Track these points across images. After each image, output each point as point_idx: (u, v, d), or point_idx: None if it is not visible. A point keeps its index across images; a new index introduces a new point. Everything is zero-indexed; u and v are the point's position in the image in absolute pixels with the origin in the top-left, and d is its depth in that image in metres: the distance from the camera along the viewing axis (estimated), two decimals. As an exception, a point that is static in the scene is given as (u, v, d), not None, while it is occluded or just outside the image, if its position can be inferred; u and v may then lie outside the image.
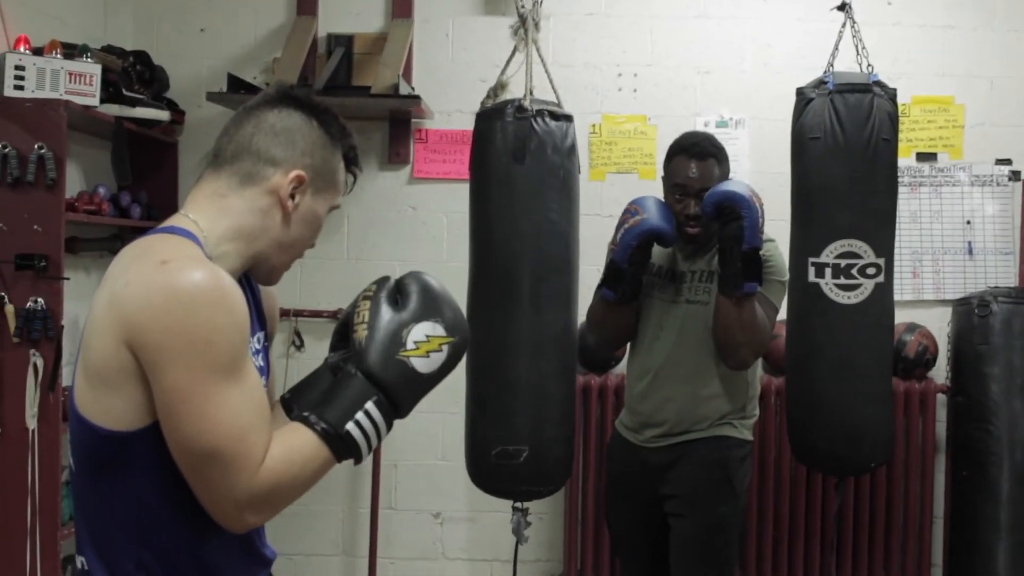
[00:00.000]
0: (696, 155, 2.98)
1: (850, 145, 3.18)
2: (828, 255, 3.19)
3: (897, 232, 3.37)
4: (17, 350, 3.30)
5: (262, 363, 1.70)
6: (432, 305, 1.63)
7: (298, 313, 4.38)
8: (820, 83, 3.27)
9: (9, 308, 3.28)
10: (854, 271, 3.18)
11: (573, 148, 3.17)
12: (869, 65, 3.33)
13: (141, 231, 4.14)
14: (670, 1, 4.40)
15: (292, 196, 1.63)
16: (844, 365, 3.21)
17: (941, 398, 4.34)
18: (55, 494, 3.37)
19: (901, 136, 3.44)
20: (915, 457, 4.29)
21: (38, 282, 3.31)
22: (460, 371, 1.95)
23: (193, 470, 1.47)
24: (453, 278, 2.86)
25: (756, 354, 3.00)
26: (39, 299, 3.31)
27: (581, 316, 3.26)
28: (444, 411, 4.02)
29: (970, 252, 4.40)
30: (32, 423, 3.31)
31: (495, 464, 3.10)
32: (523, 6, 3.34)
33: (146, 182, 4.13)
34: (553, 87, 3.30)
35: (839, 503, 3.86)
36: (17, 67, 3.32)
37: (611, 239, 3.02)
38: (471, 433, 3.22)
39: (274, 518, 1.56)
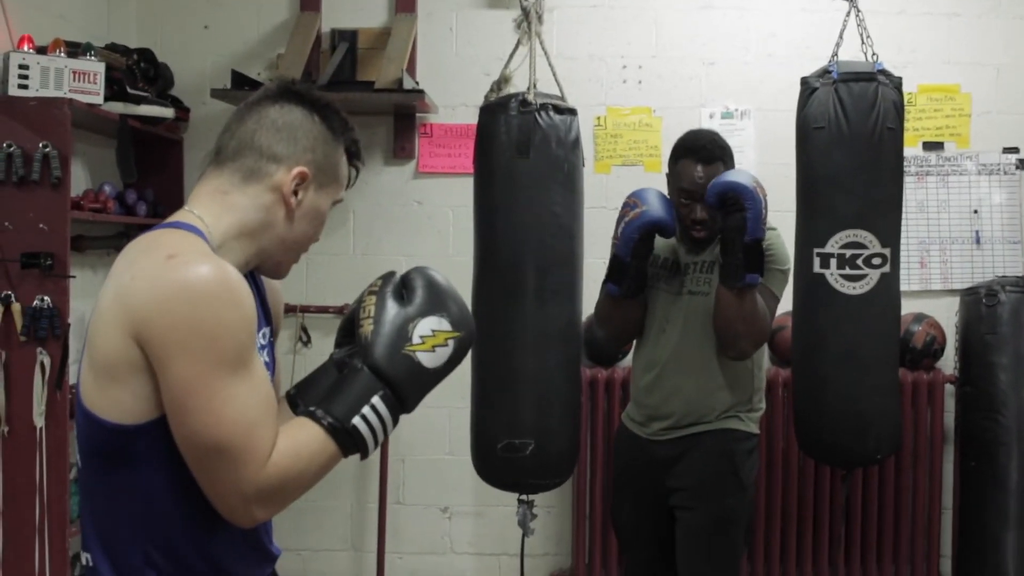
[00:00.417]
0: (703, 159, 2.95)
1: (854, 134, 3.17)
2: (833, 245, 3.18)
3: (904, 222, 3.36)
4: (24, 348, 3.31)
5: (267, 358, 1.70)
6: (437, 300, 1.62)
7: (304, 309, 4.38)
8: (824, 72, 3.26)
9: (16, 307, 3.29)
10: (859, 261, 3.17)
11: (577, 142, 3.16)
12: (874, 54, 3.31)
13: (147, 228, 4.14)
14: (674, -8, 4.39)
15: (295, 192, 1.63)
16: (850, 356, 3.21)
17: (949, 388, 4.33)
18: (63, 492, 3.38)
19: (907, 125, 3.43)
20: (923, 448, 4.28)
21: (44, 281, 3.32)
22: (466, 365, 1.95)
23: (200, 464, 1.47)
24: (459, 272, 2.86)
25: (756, 345, 2.99)
26: (45, 297, 3.32)
27: (587, 309, 3.26)
28: (451, 406, 4.02)
29: (977, 241, 4.38)
30: (40, 421, 3.33)
31: (501, 457, 3.10)
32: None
33: (151, 179, 4.13)
34: (557, 80, 3.29)
35: (845, 495, 3.86)
36: (21, 66, 3.32)
37: (613, 233, 3.01)
38: (477, 427, 3.22)
39: (282, 513, 1.56)
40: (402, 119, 4.38)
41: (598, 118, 4.36)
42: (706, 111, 4.36)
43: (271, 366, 1.72)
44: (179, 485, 1.50)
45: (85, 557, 1.59)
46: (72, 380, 3.40)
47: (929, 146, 4.37)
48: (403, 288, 1.64)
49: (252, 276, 1.71)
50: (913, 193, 4.27)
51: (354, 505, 4.47)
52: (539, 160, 3.08)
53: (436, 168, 4.39)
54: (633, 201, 2.96)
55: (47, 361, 3.33)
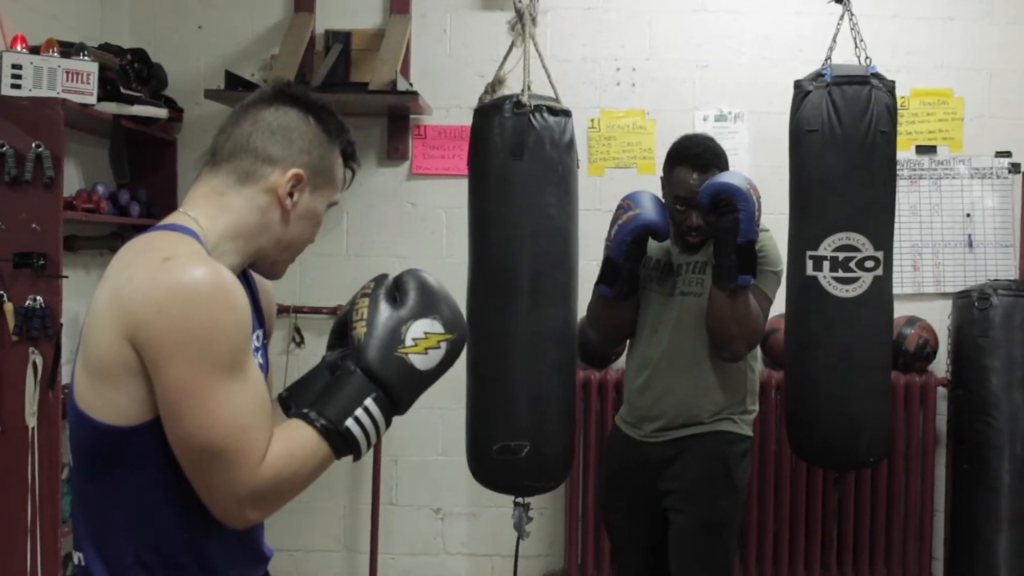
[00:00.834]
0: (699, 166, 2.95)
1: (847, 138, 3.18)
2: (826, 248, 3.18)
3: (897, 225, 3.36)
4: (16, 348, 3.31)
5: (261, 360, 1.70)
6: (430, 302, 1.63)
7: (298, 310, 4.38)
8: (818, 76, 3.26)
9: (8, 306, 3.29)
10: (852, 264, 3.18)
11: (571, 143, 3.16)
12: (867, 57, 3.32)
13: (140, 229, 4.12)
14: (668, -5, 4.40)
15: (291, 194, 1.63)
16: (842, 359, 3.21)
17: (941, 391, 4.34)
18: (55, 492, 3.37)
19: (900, 129, 3.43)
20: (915, 450, 4.29)
21: (37, 280, 3.31)
22: (460, 366, 1.95)
23: (194, 466, 1.48)
24: (453, 274, 2.86)
25: (750, 346, 3.00)
26: (38, 297, 3.31)
27: (580, 311, 3.26)
28: (444, 407, 4.02)
29: (970, 245, 4.40)
30: (32, 421, 3.32)
31: (496, 460, 3.09)
32: (520, 1, 3.32)
33: (145, 180, 4.13)
34: (551, 82, 3.29)
35: (838, 498, 3.87)
36: (14, 66, 3.31)
37: (606, 235, 3.01)
38: (472, 429, 3.21)
39: (275, 513, 1.56)
40: (396, 120, 4.38)
41: (592, 120, 4.37)
42: (700, 114, 4.36)
43: (264, 368, 1.72)
44: (172, 486, 1.51)
45: (77, 556, 1.59)
46: (65, 380, 3.40)
47: (922, 150, 4.38)
48: (396, 290, 1.65)
49: (246, 278, 1.71)
50: (906, 196, 4.28)
51: (347, 506, 4.47)
52: (533, 162, 3.08)
53: (430, 170, 4.39)
54: (627, 203, 2.96)
55: (39, 361, 3.32)
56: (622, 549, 3.19)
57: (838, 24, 3.43)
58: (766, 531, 4.25)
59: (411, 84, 4.20)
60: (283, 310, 4.29)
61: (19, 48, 3.35)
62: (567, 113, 3.17)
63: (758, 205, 2.85)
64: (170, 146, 4.33)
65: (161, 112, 4.02)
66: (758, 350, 3.10)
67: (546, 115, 3.10)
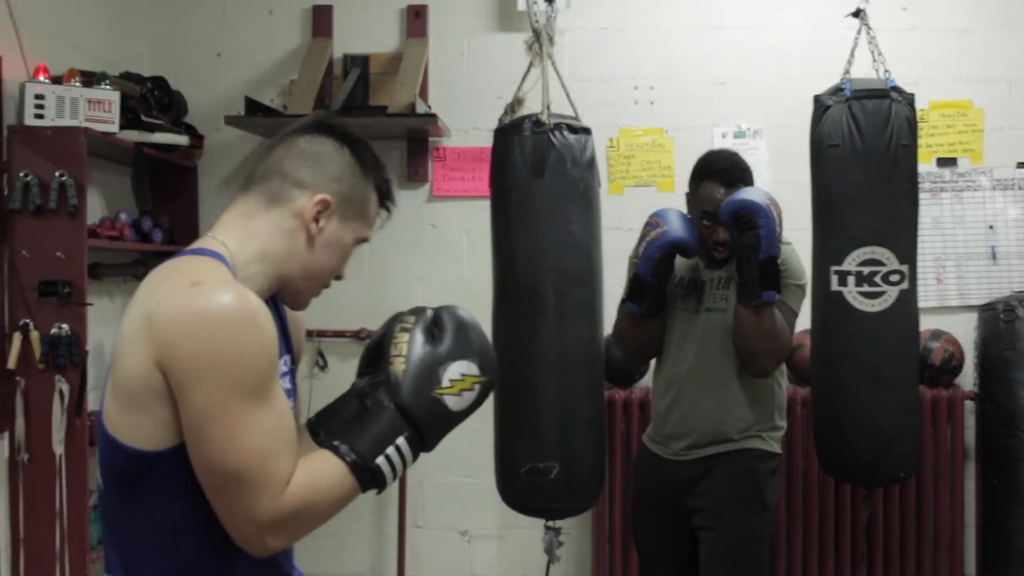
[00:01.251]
0: (726, 182, 2.94)
1: (869, 151, 3.17)
2: (851, 263, 3.17)
3: (919, 238, 3.34)
4: (43, 376, 3.32)
5: (289, 385, 1.70)
6: (467, 343, 1.63)
7: (320, 334, 4.38)
8: (837, 90, 3.26)
9: (34, 335, 3.30)
10: (877, 278, 3.16)
11: (592, 161, 3.16)
12: (886, 71, 3.31)
13: (163, 255, 4.14)
14: (684, 13, 4.41)
15: (316, 220, 1.63)
16: (870, 374, 3.19)
17: (969, 405, 4.30)
18: (83, 518, 3.38)
19: (920, 142, 3.42)
20: (944, 465, 4.25)
21: (62, 308, 3.33)
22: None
23: (216, 491, 1.47)
24: (474, 296, 2.87)
25: (777, 361, 2.98)
26: (63, 325, 3.33)
27: (607, 329, 3.25)
28: (470, 428, 3.93)
29: (993, 257, 4.37)
30: (59, 448, 3.33)
31: (525, 481, 3.07)
32: (537, 21, 3.33)
33: (167, 207, 4.16)
34: (570, 100, 3.29)
35: (868, 514, 3.82)
36: (37, 96, 3.34)
37: (632, 252, 3.00)
38: (500, 451, 3.20)
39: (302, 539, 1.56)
40: (415, 143, 4.40)
41: (611, 139, 4.37)
42: (719, 130, 4.36)
43: (292, 393, 1.72)
44: (199, 511, 1.50)
45: None
46: (91, 407, 3.41)
47: (943, 162, 4.37)
48: (434, 327, 1.64)
49: (275, 303, 1.72)
50: (928, 209, 4.26)
51: (373, 529, 4.46)
52: (554, 180, 3.08)
53: (450, 192, 4.40)
54: (655, 221, 2.96)
55: (66, 388, 3.34)
56: (651, 569, 3.17)
57: (856, 38, 3.43)
58: (795, 549, 4.21)
59: (429, 107, 4.21)
60: (307, 334, 4.28)
61: (41, 78, 3.37)
62: (587, 131, 3.17)
63: (779, 220, 2.84)
64: (191, 172, 4.35)
65: (182, 139, 4.05)
66: (784, 366, 3.07)
67: (566, 133, 3.11)
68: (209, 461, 1.45)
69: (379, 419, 1.57)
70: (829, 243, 3.24)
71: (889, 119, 3.17)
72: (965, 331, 4.32)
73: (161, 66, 4.34)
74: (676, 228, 2.91)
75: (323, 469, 1.53)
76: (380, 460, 1.55)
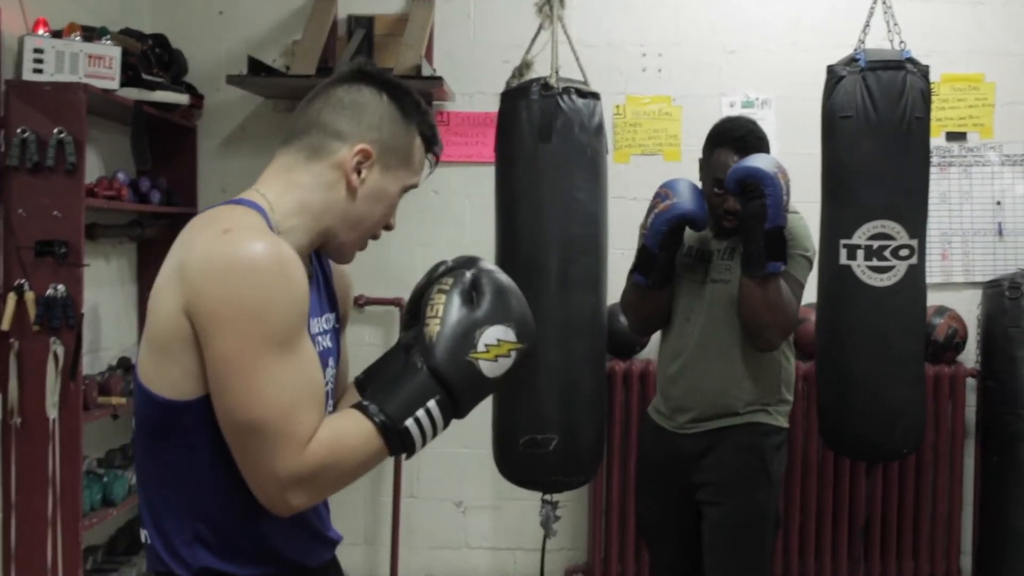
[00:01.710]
0: (741, 149, 2.86)
1: (883, 124, 3.12)
2: (860, 236, 3.13)
3: (927, 213, 3.31)
4: (37, 338, 3.27)
5: (331, 344, 1.67)
6: (506, 308, 1.59)
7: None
8: (851, 60, 3.20)
9: (29, 295, 3.25)
10: (887, 253, 3.12)
11: (600, 127, 3.10)
12: (902, 42, 3.25)
13: (161, 216, 4.07)
14: (694, -22, 4.34)
15: (358, 171, 1.59)
16: (878, 349, 3.16)
17: (971, 382, 4.28)
18: (76, 484, 3.34)
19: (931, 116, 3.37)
20: (944, 443, 4.23)
21: (58, 269, 3.27)
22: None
23: (237, 443, 1.45)
24: (477, 264, 2.80)
25: (784, 334, 2.92)
26: (59, 286, 3.28)
27: (610, 298, 3.20)
28: (468, 397, 3.96)
29: (1000, 233, 4.33)
30: (53, 412, 3.28)
31: (524, 454, 3.03)
32: (549, -17, 3.27)
33: (165, 167, 4.09)
34: (579, 64, 3.23)
35: (869, 490, 3.79)
36: (36, 50, 3.27)
37: (642, 223, 2.94)
38: (498, 422, 3.16)
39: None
40: (419, 107, 4.32)
41: (617, 107, 4.31)
42: (726, 100, 4.30)
43: (334, 352, 1.69)
44: (225, 463, 1.48)
45: (144, 534, 1.58)
46: (86, 371, 3.36)
47: (952, 136, 4.32)
48: (473, 290, 1.60)
49: (318, 259, 1.69)
50: (935, 184, 4.17)
51: (367, 499, 4.43)
52: (561, 145, 3.02)
53: (453, 157, 4.32)
54: (665, 192, 2.89)
55: (60, 351, 3.29)
56: (655, 542, 3.14)
57: (871, 8, 3.37)
58: (792, 523, 4.19)
59: (434, 70, 4.14)
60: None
61: (41, 32, 3.30)
62: (596, 96, 3.11)
63: (787, 189, 2.77)
64: (190, 133, 4.29)
65: (183, 98, 3.98)
66: (791, 339, 3.02)
67: (575, 97, 3.05)
68: (230, 411, 1.43)
69: (411, 380, 1.53)
70: (839, 216, 3.19)
71: (904, 91, 3.11)
72: (969, 308, 4.29)
73: (162, 23, 4.26)
74: (686, 200, 2.84)
75: (350, 428, 1.49)
76: (409, 422, 1.51)
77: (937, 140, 4.24)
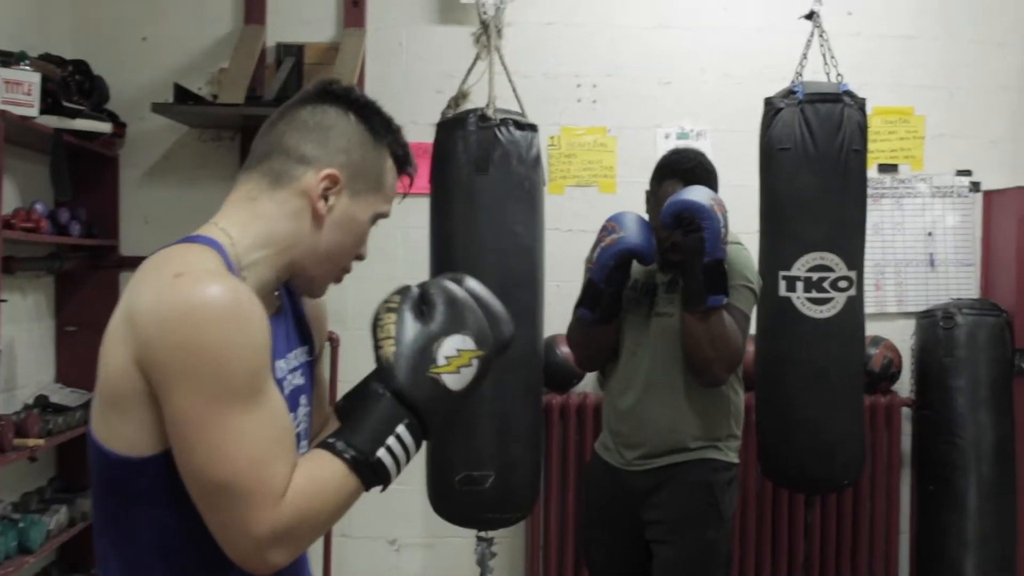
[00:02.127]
0: (689, 181, 2.81)
1: (821, 156, 3.14)
2: (799, 268, 3.13)
3: (861, 245, 3.31)
4: (-51, 376, 3.11)
5: (302, 380, 1.57)
6: (460, 316, 1.50)
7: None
8: (789, 93, 3.21)
9: (-59, 332, 3.09)
10: (826, 284, 3.13)
11: (538, 159, 3.07)
12: (838, 75, 3.26)
13: (81, 249, 3.89)
14: (630, 11, 4.32)
15: (325, 198, 1.48)
16: (817, 380, 3.17)
17: (906, 412, 4.30)
18: (-10, 530, 3.17)
19: (863, 147, 3.39)
20: (880, 472, 4.24)
21: (-28, 304, 3.12)
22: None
23: (207, 505, 1.34)
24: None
25: (730, 368, 2.85)
26: (-27, 322, 3.12)
27: (546, 331, 3.14)
28: (401, 433, 3.87)
29: (932, 264, 4.37)
30: (-35, 454, 3.12)
31: (459, 491, 2.96)
32: (485, 12, 3.22)
33: (85, 198, 3.94)
34: (516, 95, 3.19)
35: (808, 521, 3.77)
36: (-52, 75, 3.13)
37: (587, 256, 2.88)
38: (432, 458, 3.08)
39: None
40: (350, 137, 4.24)
41: (552, 138, 4.27)
42: (662, 131, 4.29)
43: (307, 388, 1.59)
44: (191, 524, 1.36)
45: None
46: (1, 411, 3.20)
47: (884, 168, 4.35)
48: (422, 303, 1.51)
49: (287, 292, 1.58)
50: (868, 215, 4.21)
51: (298, 538, 4.29)
52: (499, 177, 2.98)
53: (386, 187, 4.24)
54: (611, 225, 2.82)
55: (-26, 390, 3.13)
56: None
57: (808, 41, 3.39)
58: (731, 556, 4.14)
59: (366, 99, 4.05)
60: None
61: (-47, 57, 3.16)
62: (533, 128, 3.08)
63: (724, 222, 2.73)
64: (111, 162, 4.14)
65: (105, 126, 3.84)
66: (739, 372, 2.96)
67: (512, 129, 3.01)
68: (196, 471, 1.32)
69: (375, 408, 1.43)
70: (778, 248, 3.19)
71: (842, 124, 3.13)
72: (902, 338, 4.32)
73: (83, 49, 4.11)
74: (632, 234, 2.78)
75: (322, 471, 1.39)
76: (381, 452, 1.41)
77: (870, 172, 4.24)
